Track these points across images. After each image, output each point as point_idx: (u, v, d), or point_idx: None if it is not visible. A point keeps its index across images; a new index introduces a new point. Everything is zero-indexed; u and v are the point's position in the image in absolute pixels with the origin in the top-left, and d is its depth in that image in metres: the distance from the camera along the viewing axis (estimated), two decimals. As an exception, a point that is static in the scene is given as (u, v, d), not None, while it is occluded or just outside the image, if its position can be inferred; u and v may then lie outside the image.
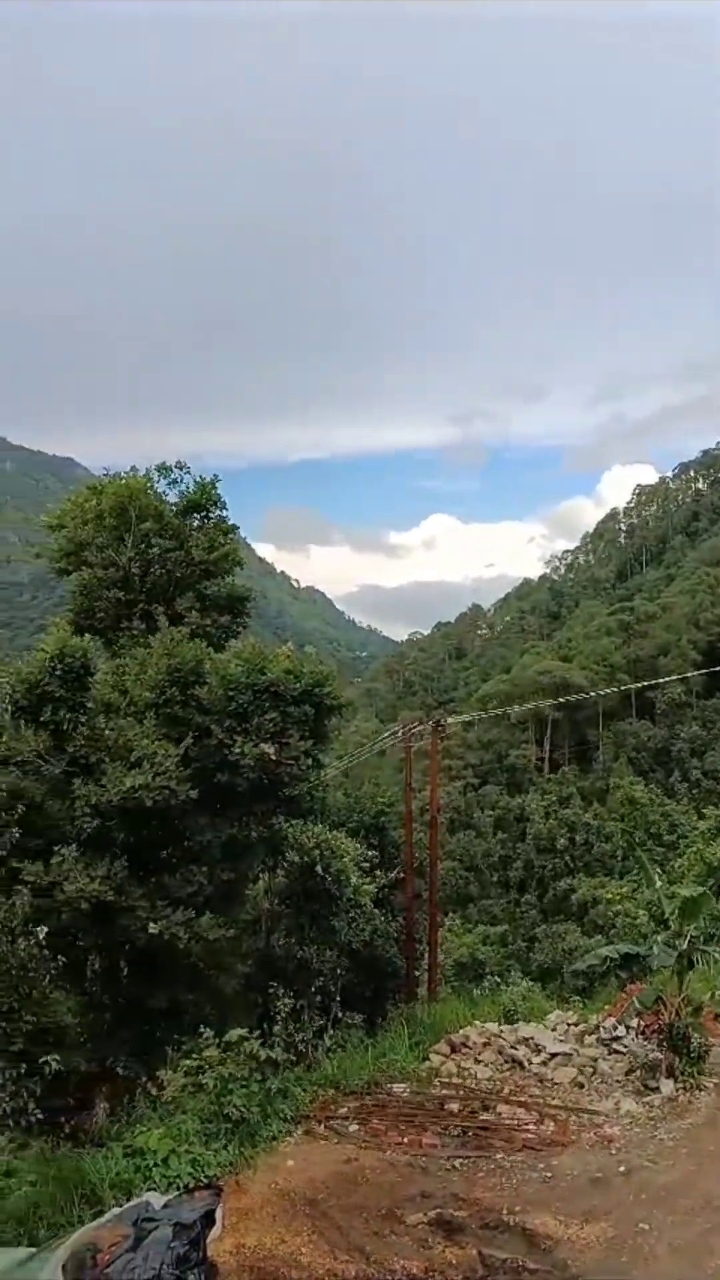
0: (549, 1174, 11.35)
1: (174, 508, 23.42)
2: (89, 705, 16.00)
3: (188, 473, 23.84)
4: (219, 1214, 9.98)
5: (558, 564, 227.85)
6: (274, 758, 16.29)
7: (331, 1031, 16.53)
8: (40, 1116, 9.86)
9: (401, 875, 22.72)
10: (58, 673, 15.52)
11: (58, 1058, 9.97)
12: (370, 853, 21.81)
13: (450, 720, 28.65)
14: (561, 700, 63.92)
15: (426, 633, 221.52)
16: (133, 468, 23.91)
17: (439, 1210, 10.36)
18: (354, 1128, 12.91)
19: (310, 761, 17.11)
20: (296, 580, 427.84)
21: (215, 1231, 9.76)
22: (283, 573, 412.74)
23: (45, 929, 10.44)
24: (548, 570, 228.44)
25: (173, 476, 23.71)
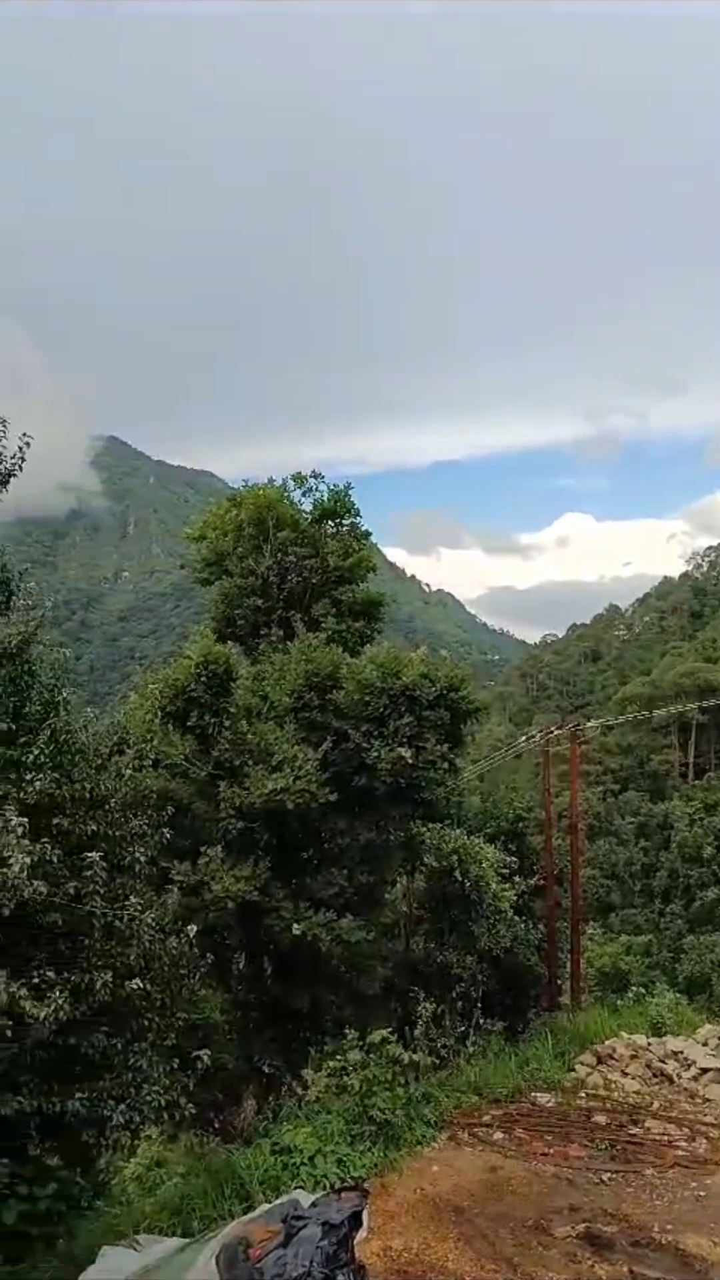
0: (702, 1193, 10.94)
1: (309, 516, 23.89)
2: (232, 710, 16.46)
3: (322, 481, 24.29)
4: (365, 1215, 10.05)
5: (700, 561, 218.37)
6: (410, 761, 16.33)
7: (473, 1038, 16.42)
8: (193, 1111, 10.18)
9: (541, 882, 22.38)
10: (203, 679, 16.06)
11: (209, 1052, 10.27)
12: (509, 859, 21.58)
13: (589, 724, 28.05)
14: (707, 703, 61.45)
15: (560, 635, 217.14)
16: (269, 479, 24.56)
17: (588, 1225, 10.13)
18: (498, 1136, 12.78)
19: (447, 766, 17.07)
20: (427, 584, 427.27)
21: (362, 1233, 9.82)
22: (413, 576, 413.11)
23: (195, 927, 10.75)
24: (689, 568, 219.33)
25: (307, 485, 24.22)
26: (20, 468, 10.20)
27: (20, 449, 10.19)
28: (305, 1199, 10.29)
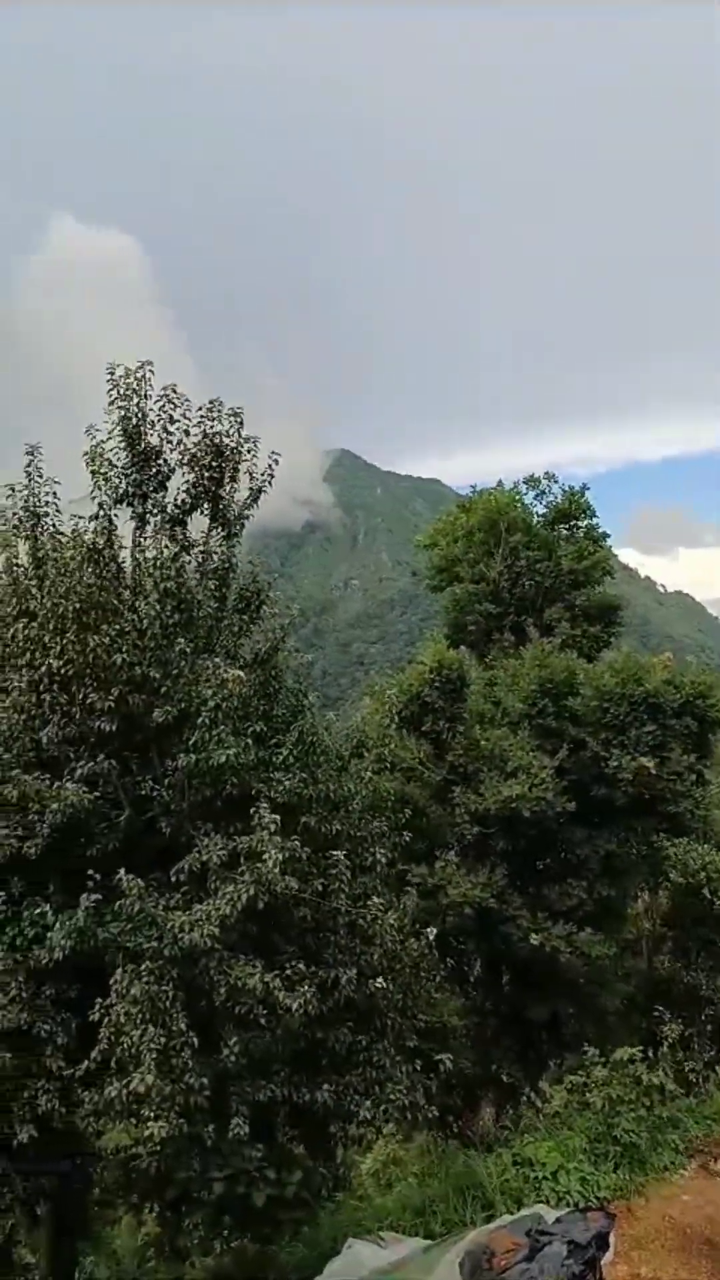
0: None
1: (541, 519, 23.56)
2: (465, 716, 16.49)
3: (555, 482, 23.88)
4: (612, 1238, 9.73)
5: None
6: (653, 772, 15.67)
7: (725, 1065, 15.47)
8: (435, 1113, 10.27)
9: None
10: (436, 684, 16.20)
11: (451, 1056, 10.32)
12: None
13: None
14: None
15: None
16: (499, 482, 24.44)
17: None
18: (755, 1172, 11.98)
19: (694, 777, 16.26)
20: (662, 585, 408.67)
21: (608, 1256, 9.52)
22: (647, 577, 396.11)
23: (434, 931, 10.85)
24: None
25: (540, 488, 23.89)
26: (269, 484, 10.75)
27: (269, 466, 10.74)
28: (549, 1215, 10.10)
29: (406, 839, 11.81)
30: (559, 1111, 13.07)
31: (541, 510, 23.59)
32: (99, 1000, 8.19)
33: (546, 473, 23.86)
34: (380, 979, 9.61)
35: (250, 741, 9.49)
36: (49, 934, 8.36)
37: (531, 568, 22.06)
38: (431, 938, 10.83)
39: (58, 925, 8.31)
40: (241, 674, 9.33)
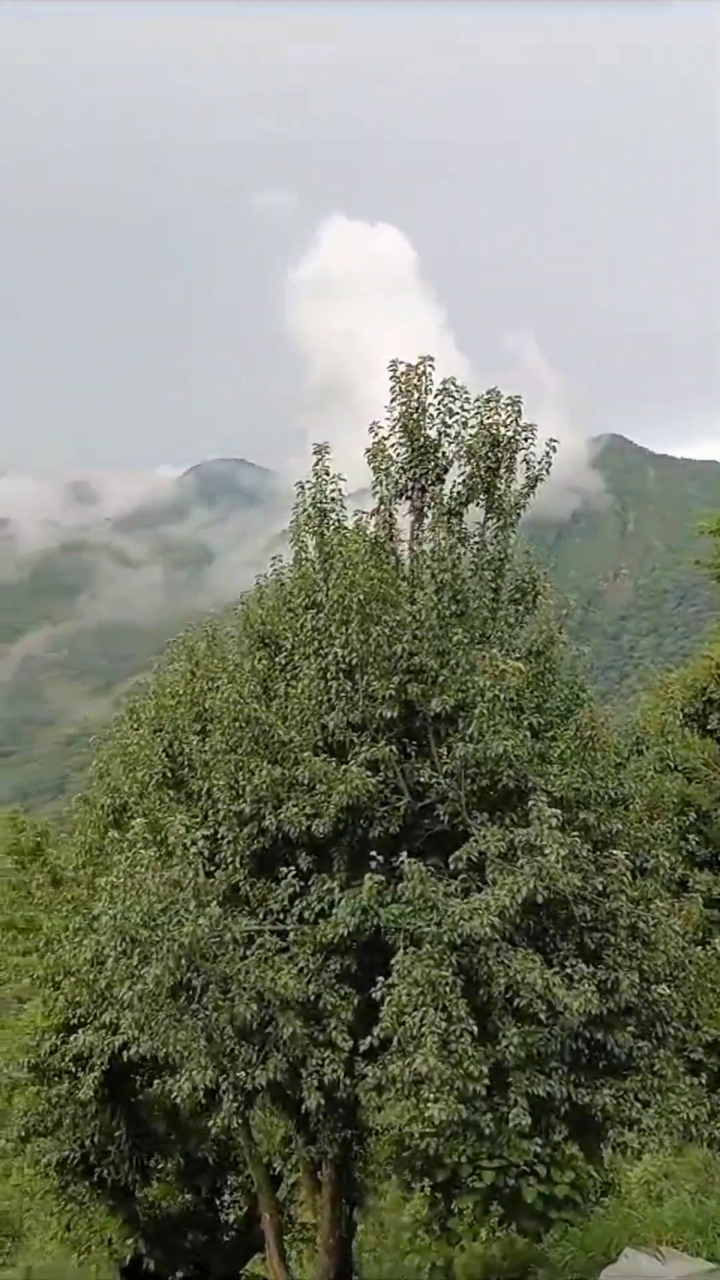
0: None
1: None
2: (757, 714, 15.42)
3: None
4: None
5: None
6: None
7: None
8: (721, 1132, 9.74)
9: None
10: (724, 680, 15.27)
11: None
12: None
13: None
14: None
15: None
16: None
17: None
18: None
19: None
20: None
21: None
22: None
23: (721, 941, 10.25)
24: None
25: None
26: (547, 471, 10.58)
27: (547, 453, 10.57)
28: None
29: (692, 844, 11.24)
30: None
31: None
32: (380, 978, 8.46)
33: None
34: (663, 986, 9.23)
35: (527, 733, 9.41)
36: (334, 910, 8.76)
37: None
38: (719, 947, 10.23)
39: (343, 902, 8.69)
40: (520, 665, 9.25)
